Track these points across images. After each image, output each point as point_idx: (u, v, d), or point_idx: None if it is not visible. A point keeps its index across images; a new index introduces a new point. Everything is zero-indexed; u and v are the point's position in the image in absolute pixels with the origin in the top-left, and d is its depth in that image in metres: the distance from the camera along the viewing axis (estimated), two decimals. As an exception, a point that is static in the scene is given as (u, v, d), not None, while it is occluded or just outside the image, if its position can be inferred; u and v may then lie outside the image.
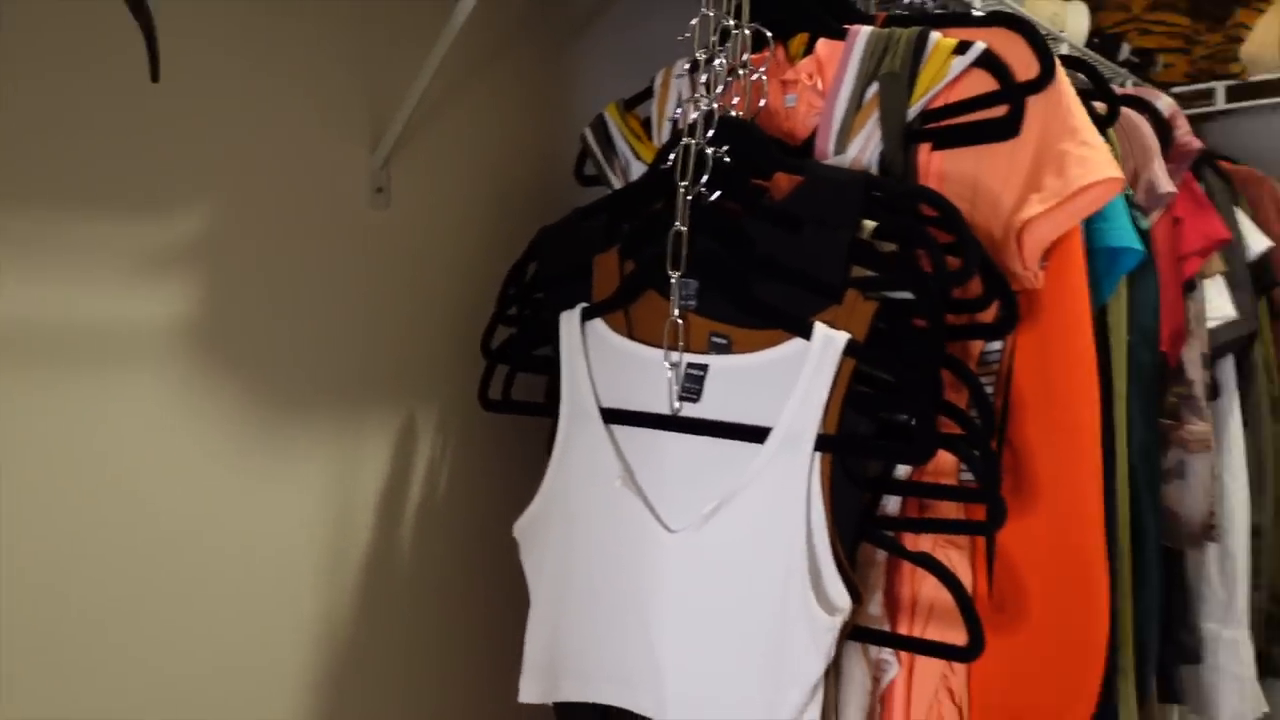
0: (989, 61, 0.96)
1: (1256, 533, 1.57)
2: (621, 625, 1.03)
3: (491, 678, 1.29)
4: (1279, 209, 1.79)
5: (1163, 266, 1.25)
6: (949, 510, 1.01)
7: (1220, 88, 2.16)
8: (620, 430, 1.05)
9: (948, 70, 0.98)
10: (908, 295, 0.92)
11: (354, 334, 1.20)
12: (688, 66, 1.16)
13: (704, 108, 1.02)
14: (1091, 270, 1.08)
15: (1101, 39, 2.07)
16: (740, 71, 1.06)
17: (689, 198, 1.00)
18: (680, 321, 1.01)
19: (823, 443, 0.90)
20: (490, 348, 1.21)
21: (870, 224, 0.97)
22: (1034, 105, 0.95)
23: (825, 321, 0.92)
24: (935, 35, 0.99)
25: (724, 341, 1.00)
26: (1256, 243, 1.50)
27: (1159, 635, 1.40)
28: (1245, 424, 1.56)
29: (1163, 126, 1.26)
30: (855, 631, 0.94)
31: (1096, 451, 0.95)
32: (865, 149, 1.02)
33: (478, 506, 1.33)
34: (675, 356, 1.01)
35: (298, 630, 1.15)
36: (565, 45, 1.46)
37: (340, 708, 1.19)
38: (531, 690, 1.07)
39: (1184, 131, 1.27)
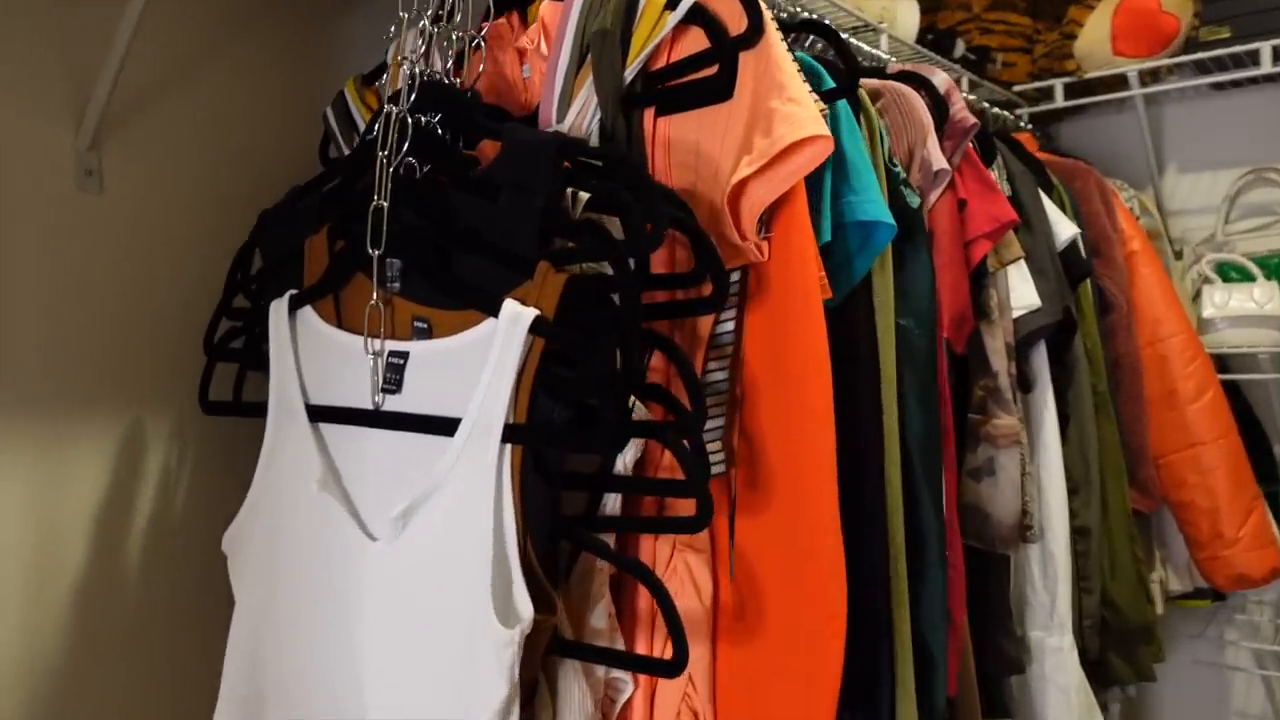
0: (700, 16, 0.89)
1: (1082, 533, 1.51)
2: (327, 646, 0.92)
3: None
4: (1104, 201, 1.76)
5: (943, 248, 1.18)
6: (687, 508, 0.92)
7: (1059, 85, 2.14)
8: (329, 429, 0.95)
9: (663, 26, 0.90)
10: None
11: (63, 331, 1.08)
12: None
13: (407, 72, 0.93)
14: (842, 247, 1.01)
15: (936, 36, 2.03)
16: (456, 35, 0.97)
17: (391, 169, 0.91)
18: (381, 305, 0.91)
19: (509, 433, 0.80)
20: (213, 343, 1.10)
21: (585, 194, 0.89)
22: (746, 63, 0.88)
23: (518, 298, 0.83)
24: (659, -11, 0.91)
25: (425, 325, 0.90)
26: (1064, 230, 1.45)
27: (980, 644, 1.33)
28: (1066, 418, 1.50)
29: (938, 103, 1.20)
30: (560, 646, 0.84)
31: (828, 441, 0.87)
32: (584, 115, 0.94)
33: (220, 521, 1.21)
34: (376, 344, 0.91)
35: (-18, 669, 1.01)
36: (329, 21, 1.36)
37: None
38: (228, 727, 0.95)
39: (959, 108, 1.21)
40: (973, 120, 1.20)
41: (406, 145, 0.91)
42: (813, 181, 0.99)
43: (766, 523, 0.89)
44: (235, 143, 1.24)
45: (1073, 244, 1.46)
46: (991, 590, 1.38)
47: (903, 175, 1.12)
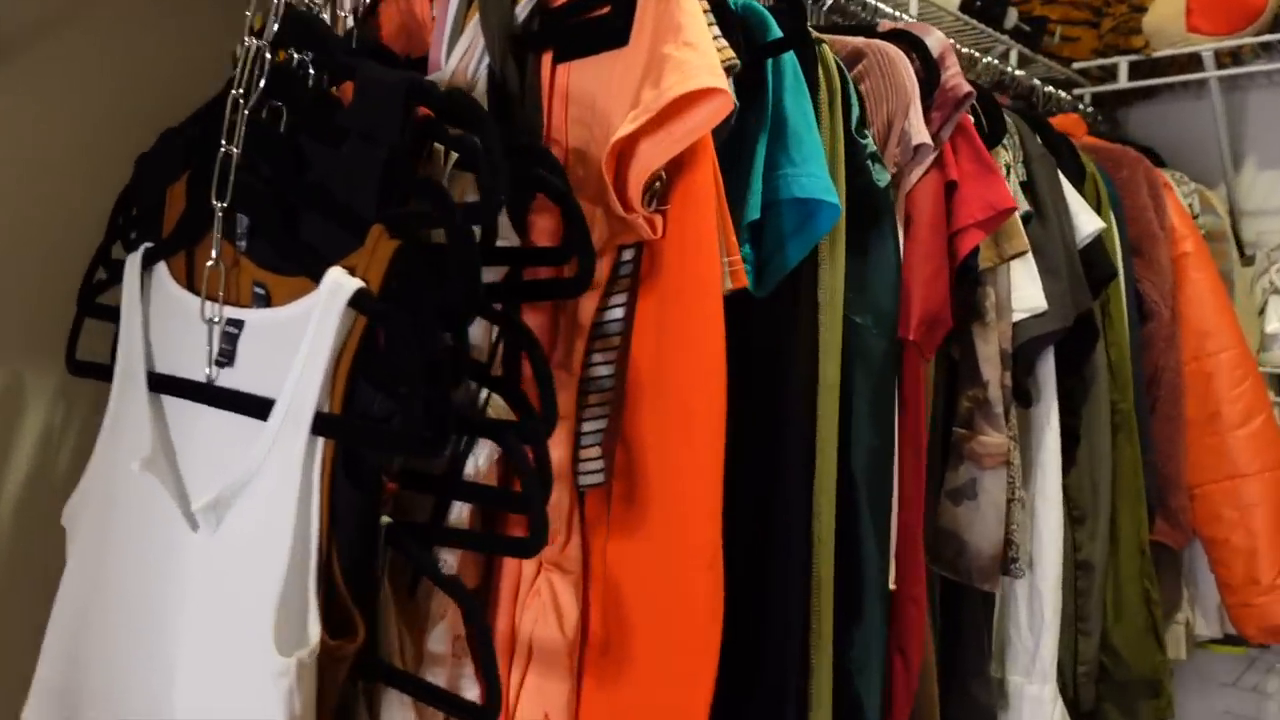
0: (597, -59, 0.74)
1: (1085, 568, 1.34)
2: (149, 643, 0.81)
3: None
4: (1153, 194, 1.55)
5: (921, 236, 1.02)
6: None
7: (1123, 64, 1.92)
8: (169, 400, 0.84)
9: (555, -46, 0.76)
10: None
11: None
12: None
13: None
14: (775, 228, 0.86)
15: (984, 3, 1.83)
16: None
17: (245, 111, 0.79)
18: (222, 266, 0.79)
19: (319, 423, 0.68)
20: (86, 296, 1.00)
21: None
22: (646, 2, 0.73)
23: (348, 266, 0.70)
24: (550, -87, 0.76)
25: (263, 292, 0.78)
26: (1086, 224, 1.26)
27: (947, 686, 1.18)
28: (1077, 438, 1.32)
29: (930, 68, 1.03)
30: (376, 672, 0.72)
31: (710, 459, 0.73)
32: (469, 58, 0.81)
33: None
34: (213, 310, 0.79)
35: None
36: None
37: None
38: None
39: (952, 73, 1.04)
40: (966, 89, 1.03)
41: (262, 84, 0.79)
42: (741, 148, 0.85)
43: (639, 548, 0.76)
44: (131, 79, 1.13)
45: (1097, 241, 1.27)
46: (965, 627, 1.22)
47: (872, 148, 0.96)
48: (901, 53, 1.03)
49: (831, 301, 0.91)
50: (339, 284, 0.69)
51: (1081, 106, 1.99)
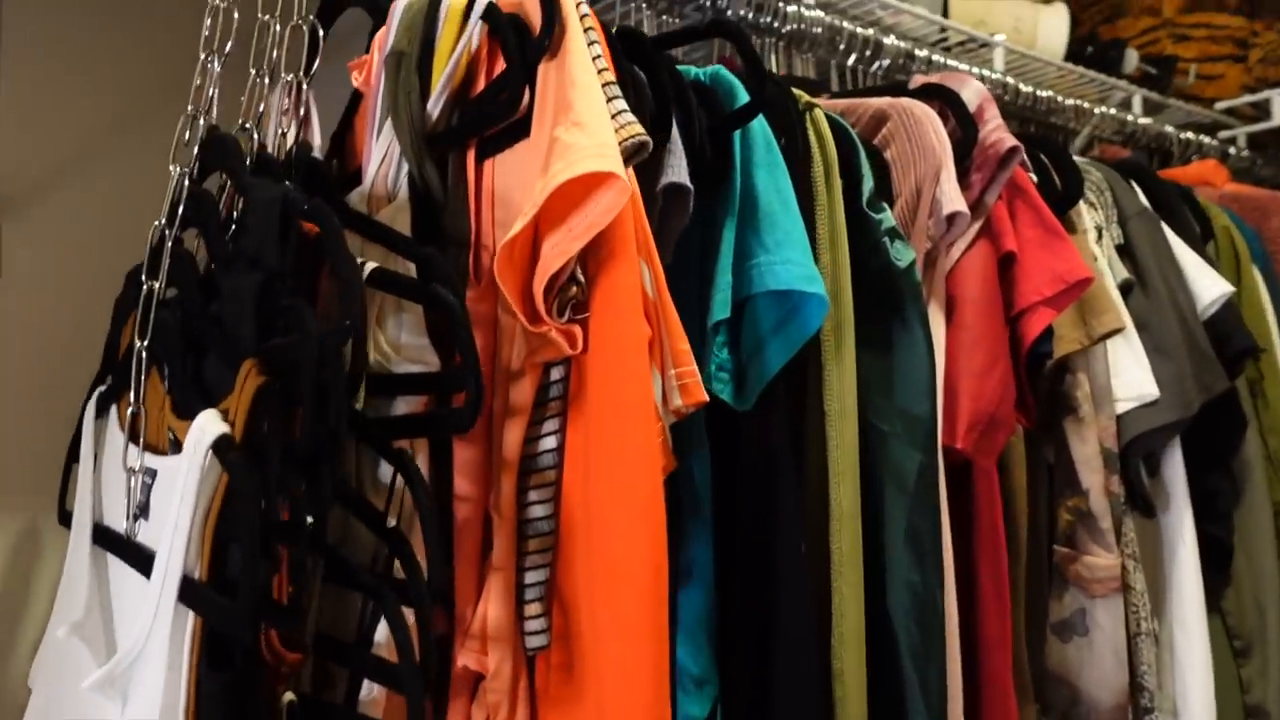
0: (495, 21, 0.65)
1: (1255, 714, 1.07)
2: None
3: None
4: (1315, 246, 1.29)
5: (967, 322, 0.85)
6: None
7: (1277, 98, 1.65)
8: (111, 556, 0.79)
9: (463, 37, 0.67)
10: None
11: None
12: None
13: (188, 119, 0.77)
14: (752, 328, 0.72)
15: (1097, 48, 1.63)
16: (269, 79, 0.80)
17: (170, 241, 0.74)
18: (143, 410, 0.74)
19: (184, 590, 0.60)
20: (76, 444, 0.97)
21: (370, 264, 0.68)
22: (548, 78, 0.63)
23: (224, 409, 0.62)
24: (457, -6, 0.68)
25: (173, 437, 0.72)
26: (1208, 289, 1.03)
27: None
28: (1229, 551, 1.07)
29: (966, 124, 0.87)
30: None
31: (641, 618, 0.59)
32: (388, 164, 0.73)
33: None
34: (134, 457, 0.73)
35: None
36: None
37: None
38: None
39: (992, 128, 0.87)
40: (1010, 144, 0.86)
41: (180, 212, 0.74)
42: (709, 237, 0.72)
43: (576, 729, 0.62)
44: (137, 224, 1.13)
45: (1227, 308, 1.04)
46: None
47: (889, 223, 0.81)
48: (931, 110, 0.88)
49: (842, 410, 0.76)
50: (202, 430, 0.61)
51: (1233, 151, 1.73)
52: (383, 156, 0.73)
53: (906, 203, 0.86)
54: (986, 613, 0.89)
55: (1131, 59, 1.65)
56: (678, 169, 0.70)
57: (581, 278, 0.63)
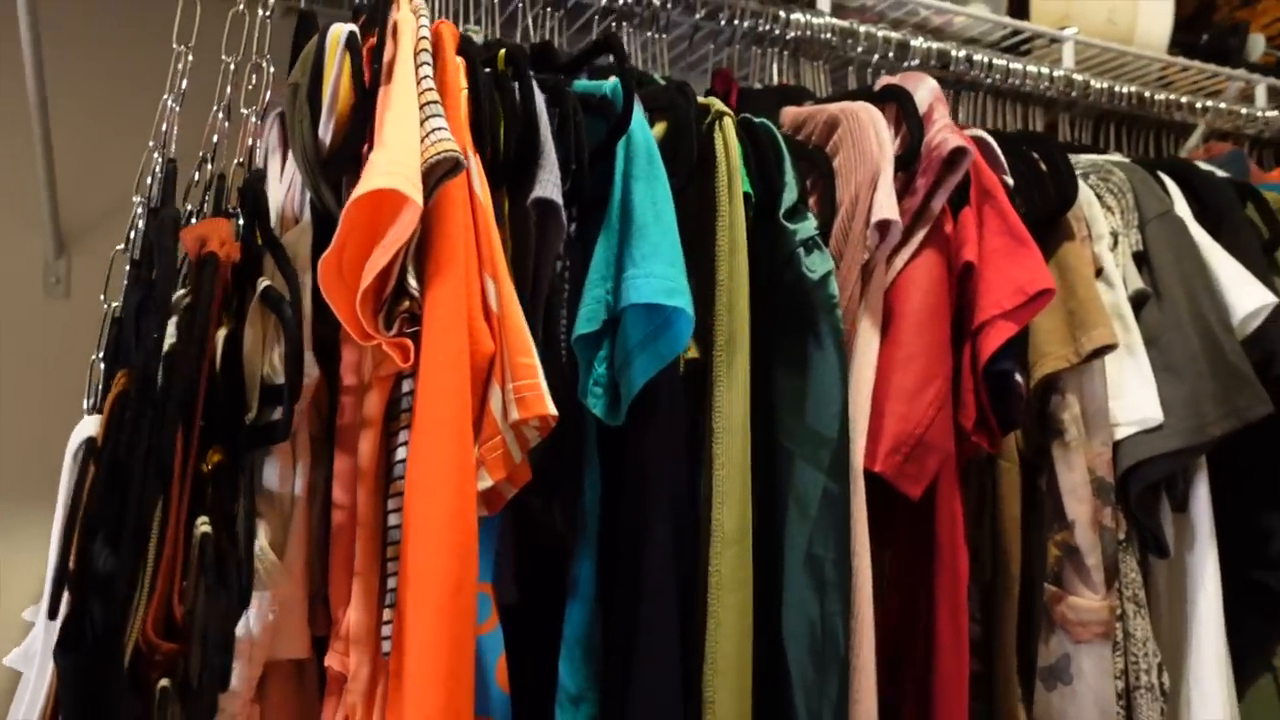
0: (352, 50, 0.68)
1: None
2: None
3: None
4: None
5: (898, 338, 0.78)
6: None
7: None
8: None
9: (334, 69, 0.71)
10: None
11: (30, 431, 1.14)
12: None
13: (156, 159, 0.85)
14: (622, 342, 0.72)
15: (1214, 36, 1.46)
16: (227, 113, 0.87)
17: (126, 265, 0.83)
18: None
19: (58, 576, 0.66)
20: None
21: (264, 282, 0.73)
22: (383, 103, 0.65)
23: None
24: (339, 25, 0.72)
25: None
26: (1246, 299, 0.90)
27: None
28: (1278, 599, 0.93)
29: (915, 126, 0.82)
30: None
31: (436, 635, 0.60)
32: (294, 191, 0.77)
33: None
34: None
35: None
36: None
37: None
38: None
39: (938, 128, 0.80)
40: (954, 144, 0.80)
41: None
42: (573, 249, 0.73)
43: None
44: None
45: (1274, 317, 0.91)
46: None
47: (807, 234, 0.77)
48: (877, 114, 0.83)
49: (729, 428, 0.73)
50: (77, 434, 0.67)
51: (1400, 143, 1.50)
52: (288, 183, 0.78)
53: (847, 211, 0.82)
54: (942, 651, 0.82)
55: (1257, 45, 1.47)
56: (546, 184, 0.71)
57: (416, 292, 0.65)
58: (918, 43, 1.17)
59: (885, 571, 0.87)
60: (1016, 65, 1.23)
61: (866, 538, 0.77)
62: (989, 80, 1.22)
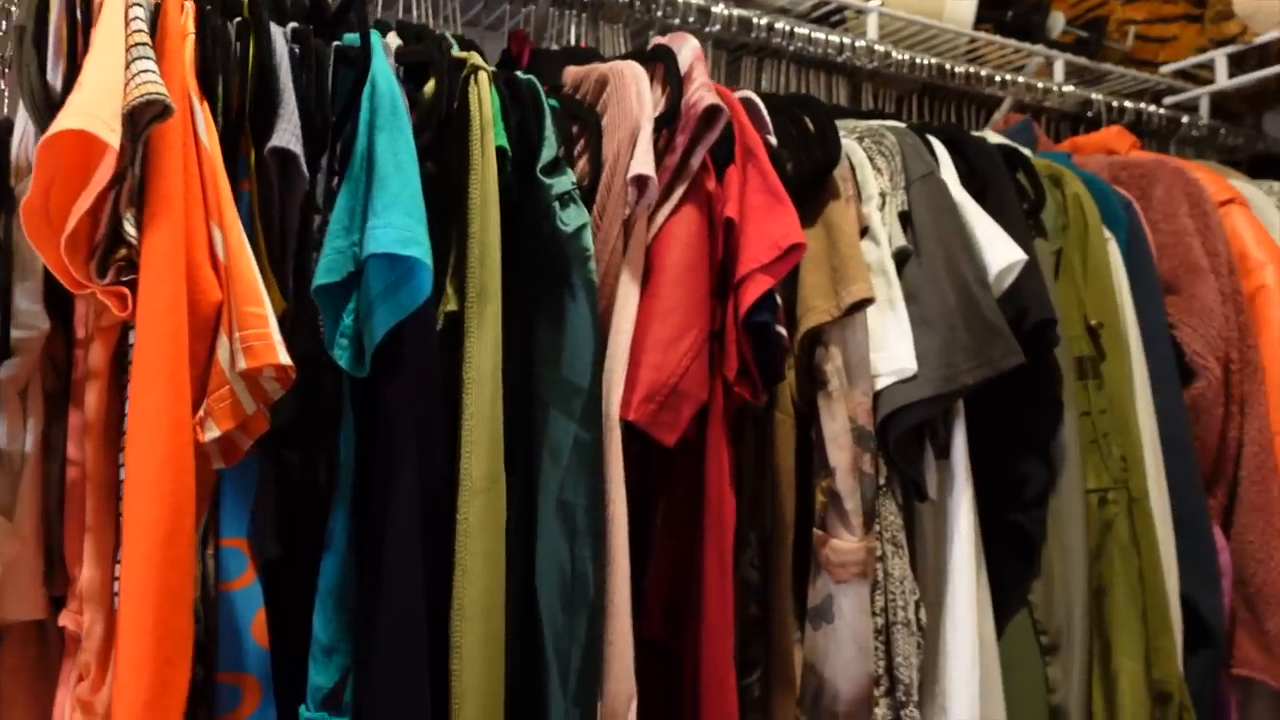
0: (68, -9, 0.66)
1: (1059, 715, 0.99)
2: None
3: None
4: (1198, 214, 1.19)
5: (656, 290, 0.81)
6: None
7: (1220, 58, 1.52)
8: None
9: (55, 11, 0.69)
10: None
11: None
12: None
13: None
14: (365, 294, 0.71)
15: (1018, 13, 1.53)
16: None
17: None
18: None
19: None
20: None
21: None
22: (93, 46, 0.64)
23: None
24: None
25: None
26: (998, 256, 0.95)
27: None
28: (1034, 541, 1.00)
29: (675, 84, 0.84)
30: None
31: (155, 587, 0.59)
32: (26, 142, 0.75)
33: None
34: None
35: None
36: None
37: None
38: None
39: (696, 87, 0.83)
40: (709, 102, 0.82)
41: None
42: (332, 203, 0.72)
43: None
44: None
45: (1028, 277, 0.96)
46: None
47: (563, 188, 0.79)
48: (641, 72, 0.85)
49: (479, 378, 0.74)
50: None
51: (1188, 120, 1.60)
52: (21, 133, 0.75)
53: (610, 168, 0.83)
54: (709, 597, 0.85)
55: (1057, 23, 1.54)
56: (284, 133, 0.70)
57: (134, 239, 0.64)
58: (719, 9, 1.19)
59: (658, 520, 0.90)
60: (819, 35, 1.27)
61: (622, 485, 0.79)
62: (791, 48, 1.25)
